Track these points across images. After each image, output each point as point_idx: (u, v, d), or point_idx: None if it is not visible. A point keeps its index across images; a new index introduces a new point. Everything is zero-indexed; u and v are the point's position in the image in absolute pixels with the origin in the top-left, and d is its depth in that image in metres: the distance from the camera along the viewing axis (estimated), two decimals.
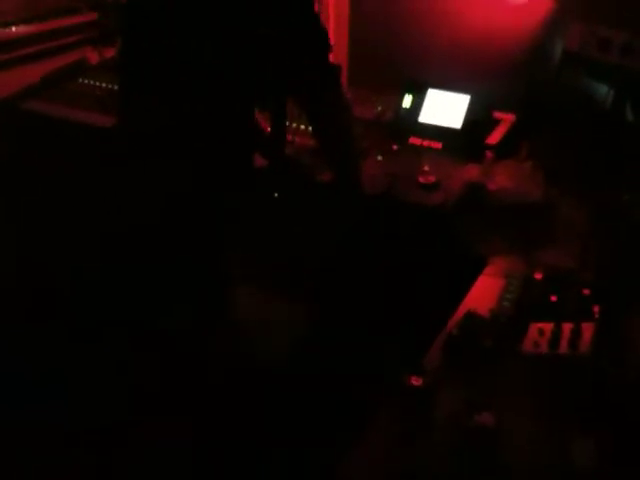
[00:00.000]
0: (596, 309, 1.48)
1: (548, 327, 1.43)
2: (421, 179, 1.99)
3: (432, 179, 1.99)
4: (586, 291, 1.54)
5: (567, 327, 1.42)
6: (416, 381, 1.18)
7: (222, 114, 1.68)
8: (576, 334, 1.40)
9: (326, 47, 1.69)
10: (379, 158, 2.14)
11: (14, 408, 2.05)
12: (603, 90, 2.20)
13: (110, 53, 2.70)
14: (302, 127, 2.24)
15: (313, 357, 1.93)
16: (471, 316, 1.46)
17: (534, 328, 1.44)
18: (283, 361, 1.94)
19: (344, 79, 2.42)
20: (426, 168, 2.04)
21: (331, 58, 1.76)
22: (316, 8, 1.89)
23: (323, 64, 1.70)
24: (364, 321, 1.93)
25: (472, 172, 2.04)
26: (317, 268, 2.02)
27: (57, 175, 2.30)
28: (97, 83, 2.58)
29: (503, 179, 1.98)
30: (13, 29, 2.67)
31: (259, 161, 1.92)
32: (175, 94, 1.68)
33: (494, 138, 2.15)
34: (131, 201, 1.79)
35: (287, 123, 1.97)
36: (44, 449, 1.95)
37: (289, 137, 2.09)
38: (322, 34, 1.69)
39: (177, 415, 1.84)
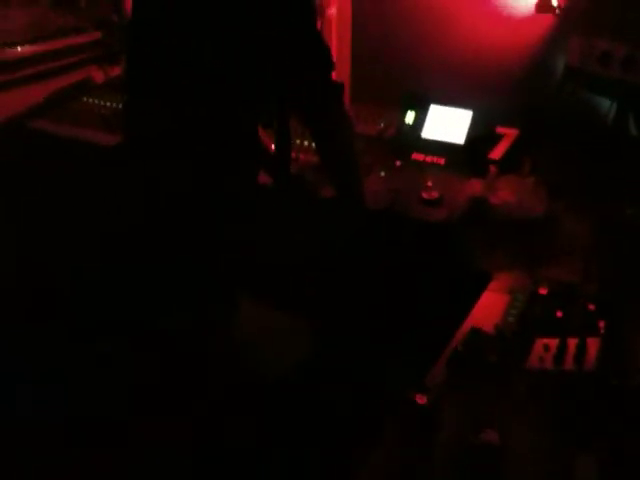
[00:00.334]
0: (601, 324, 1.48)
1: (553, 343, 1.42)
2: (424, 195, 2.00)
3: (435, 195, 1.99)
4: (591, 306, 1.54)
5: (572, 342, 1.42)
6: (420, 399, 1.18)
7: (224, 119, 1.69)
8: (581, 350, 1.39)
9: (329, 65, 1.71)
10: (382, 174, 2.15)
11: (14, 408, 2.06)
12: (605, 104, 2.21)
13: (115, 72, 2.73)
14: (306, 144, 2.25)
15: (315, 371, 1.93)
16: (476, 332, 1.46)
17: (539, 344, 1.43)
18: (284, 372, 1.94)
19: (347, 96, 2.44)
20: (429, 184, 2.04)
21: (334, 75, 1.77)
22: (319, 26, 1.91)
23: (326, 81, 1.71)
24: (368, 336, 1.93)
25: (475, 187, 2.04)
26: (320, 283, 2.02)
27: (59, 182, 2.32)
28: (102, 102, 2.60)
29: (506, 194, 1.99)
30: (19, 49, 2.69)
31: (264, 178, 1.93)
32: (177, 98, 1.69)
33: (497, 153, 2.16)
34: (132, 202, 1.80)
35: (291, 140, 1.98)
36: (44, 449, 1.95)
37: (293, 154, 2.10)
38: (325, 52, 1.70)
39: (177, 415, 1.84)
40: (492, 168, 2.07)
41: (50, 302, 2.30)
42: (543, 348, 1.42)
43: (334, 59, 1.75)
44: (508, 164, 2.11)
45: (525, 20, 2.36)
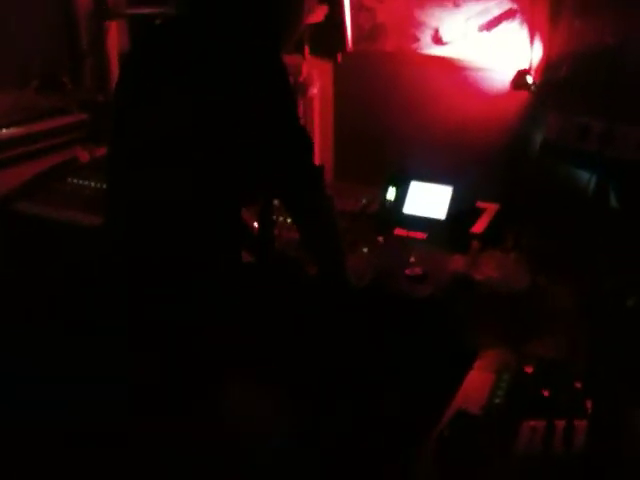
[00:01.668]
0: (589, 404, 1.46)
1: (541, 425, 1.40)
2: (408, 271, 1.99)
3: (419, 271, 1.99)
4: (578, 384, 1.52)
5: (560, 424, 1.39)
6: None
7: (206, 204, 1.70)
8: (569, 431, 1.37)
9: (309, 149, 1.72)
10: (365, 250, 2.15)
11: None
12: (585, 177, 2.24)
13: (100, 152, 2.75)
14: (289, 221, 2.26)
15: (298, 457, 1.89)
16: (462, 415, 1.43)
17: (526, 426, 1.41)
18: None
19: (330, 174, 2.47)
20: (412, 260, 2.04)
21: (315, 157, 1.79)
22: (300, 107, 1.94)
23: (306, 165, 1.72)
24: (349, 420, 1.89)
25: (458, 262, 2.04)
26: (302, 362, 2.00)
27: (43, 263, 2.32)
28: (86, 182, 2.61)
29: (489, 269, 1.99)
30: (4, 131, 2.72)
31: (246, 257, 1.92)
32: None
33: (478, 227, 2.17)
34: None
35: (274, 218, 1.99)
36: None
37: (276, 231, 2.11)
38: (304, 136, 1.72)
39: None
40: (474, 243, 2.08)
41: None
42: (530, 431, 1.39)
43: (314, 142, 1.77)
44: (490, 239, 2.13)
45: (502, 96, 2.42)
